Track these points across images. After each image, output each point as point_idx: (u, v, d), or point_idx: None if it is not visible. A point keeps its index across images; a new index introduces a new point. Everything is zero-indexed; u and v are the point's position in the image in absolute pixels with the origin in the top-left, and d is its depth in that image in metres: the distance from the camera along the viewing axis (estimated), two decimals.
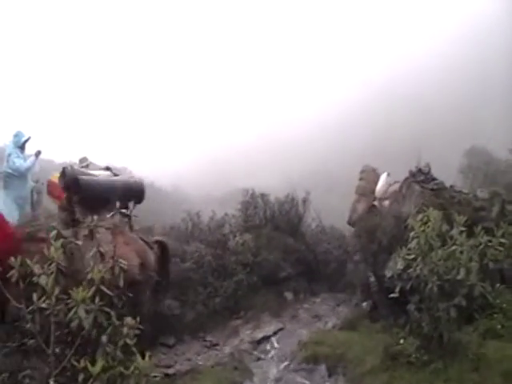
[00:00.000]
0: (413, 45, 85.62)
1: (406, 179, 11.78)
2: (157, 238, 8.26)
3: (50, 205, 12.17)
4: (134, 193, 8.26)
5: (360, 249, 11.31)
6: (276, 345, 9.87)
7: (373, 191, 13.74)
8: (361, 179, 14.40)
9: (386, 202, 13.01)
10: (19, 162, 11.11)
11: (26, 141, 11.46)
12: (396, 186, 13.11)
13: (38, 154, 11.54)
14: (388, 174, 13.90)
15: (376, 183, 13.73)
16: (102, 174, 9.10)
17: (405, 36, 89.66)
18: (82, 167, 12.97)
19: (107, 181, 8.42)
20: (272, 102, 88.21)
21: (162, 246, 8.38)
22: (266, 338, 10.16)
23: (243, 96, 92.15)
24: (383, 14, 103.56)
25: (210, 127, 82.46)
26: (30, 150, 11.70)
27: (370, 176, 14.25)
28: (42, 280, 4.74)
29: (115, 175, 13.60)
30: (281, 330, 10.58)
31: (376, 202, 13.30)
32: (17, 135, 11.35)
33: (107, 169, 13.69)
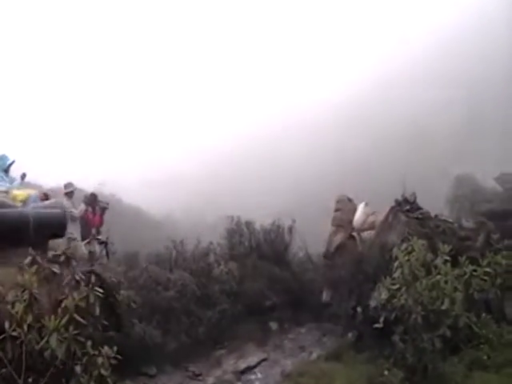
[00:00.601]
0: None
1: (392, 208, 11.75)
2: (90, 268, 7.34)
3: None
4: (52, 226, 6.92)
5: (344, 279, 11.19)
6: (259, 375, 9.72)
7: (350, 222, 13.58)
8: (336, 210, 14.20)
9: (365, 233, 12.95)
10: (5, 186, 11.02)
11: (10, 164, 11.38)
12: (375, 217, 13.18)
13: (23, 176, 11.49)
14: (366, 204, 13.86)
15: (353, 213, 13.67)
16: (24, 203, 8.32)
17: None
18: (67, 193, 12.90)
19: (18, 214, 7.08)
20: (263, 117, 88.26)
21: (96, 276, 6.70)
22: (250, 369, 10.01)
23: (229, 111, 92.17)
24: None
25: (201, 150, 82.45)
26: (15, 173, 11.62)
27: (346, 206, 14.11)
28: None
29: (101, 203, 13.59)
30: (265, 360, 10.42)
31: (354, 233, 13.19)
32: (1, 158, 11.26)
33: (92, 195, 13.66)
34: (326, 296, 12.63)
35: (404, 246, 7.16)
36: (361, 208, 13.79)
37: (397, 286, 6.98)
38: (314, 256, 15.45)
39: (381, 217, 12.92)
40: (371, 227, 13.07)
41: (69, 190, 13.04)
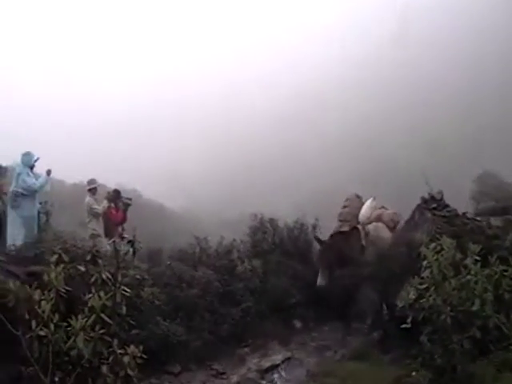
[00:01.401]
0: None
1: (419, 206, 11.62)
2: (33, 268, 6.66)
3: (59, 227, 12.11)
4: None
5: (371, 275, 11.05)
6: (284, 374, 9.63)
7: (356, 216, 13.44)
8: (344, 207, 13.95)
9: (370, 227, 12.88)
10: (31, 181, 11.15)
11: (35, 161, 11.51)
12: (381, 211, 13.40)
13: (49, 172, 11.59)
14: (374, 199, 13.82)
15: (360, 209, 13.56)
16: None
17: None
18: (91, 189, 12.96)
19: None
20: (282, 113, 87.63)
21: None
22: (274, 367, 9.90)
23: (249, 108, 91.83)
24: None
25: (222, 146, 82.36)
26: (39, 170, 11.73)
27: (353, 203, 13.92)
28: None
29: (124, 199, 13.62)
30: (289, 359, 10.30)
31: (359, 226, 12.93)
32: (27, 154, 11.42)
33: (115, 191, 13.70)
34: (320, 280, 12.17)
35: (433, 244, 7.00)
36: (368, 203, 13.70)
37: (425, 286, 6.84)
38: None
39: (387, 211, 13.36)
40: (377, 220, 13.20)
41: (92, 186, 13.10)
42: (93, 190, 13.11)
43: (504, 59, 63.52)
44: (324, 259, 12.36)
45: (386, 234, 12.88)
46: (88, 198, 12.96)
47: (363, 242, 12.48)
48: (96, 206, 12.86)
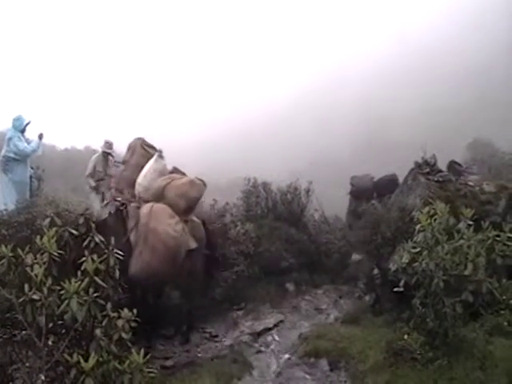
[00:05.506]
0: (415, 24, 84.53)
1: (412, 170, 11.60)
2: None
3: (50, 192, 12.05)
4: None
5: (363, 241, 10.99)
6: (276, 337, 9.70)
7: (133, 185, 9.17)
8: (123, 162, 9.94)
9: (144, 210, 8.43)
10: (23, 146, 11.05)
11: (26, 124, 11.41)
12: (170, 179, 8.91)
13: (41, 136, 11.48)
14: (160, 156, 9.32)
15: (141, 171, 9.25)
16: None
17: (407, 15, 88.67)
18: (108, 154, 12.09)
19: None
20: (277, 80, 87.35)
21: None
22: (267, 330, 9.98)
23: (244, 73, 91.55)
24: None
25: (213, 109, 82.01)
26: (29, 134, 11.64)
27: (135, 158, 9.57)
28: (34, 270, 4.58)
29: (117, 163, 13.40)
30: (281, 322, 10.38)
31: (132, 205, 8.80)
32: (18, 119, 11.31)
33: (108, 154, 13.51)
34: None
35: (426, 209, 7.00)
36: (151, 163, 9.16)
37: (418, 250, 6.86)
38: (330, 219, 15.39)
39: (180, 180, 8.94)
40: (158, 197, 8.65)
41: (108, 150, 12.17)
42: (105, 155, 12.16)
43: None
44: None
45: (164, 224, 8.27)
46: (93, 158, 12.22)
47: (130, 236, 8.39)
48: (93, 184, 12.34)
